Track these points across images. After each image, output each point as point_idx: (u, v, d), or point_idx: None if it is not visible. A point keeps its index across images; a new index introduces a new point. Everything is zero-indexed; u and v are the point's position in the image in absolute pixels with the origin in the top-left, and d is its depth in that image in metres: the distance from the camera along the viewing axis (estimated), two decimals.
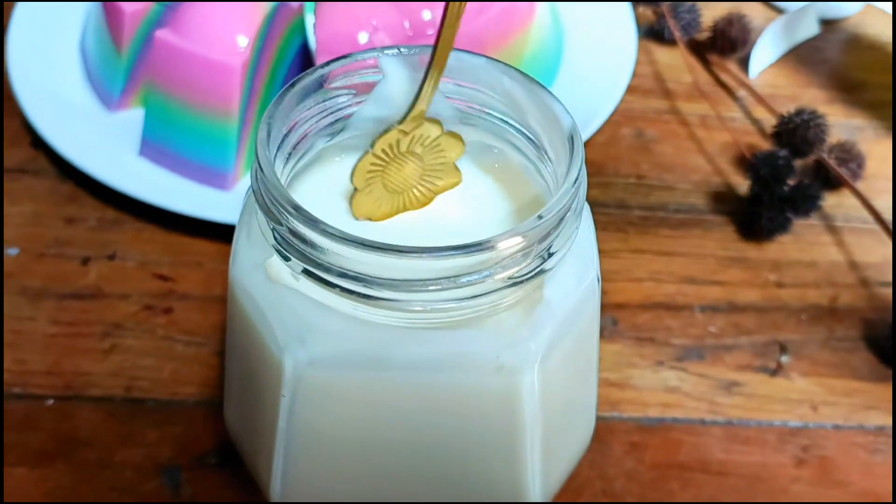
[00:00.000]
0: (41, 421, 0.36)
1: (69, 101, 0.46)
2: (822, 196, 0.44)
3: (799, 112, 0.45)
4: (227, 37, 0.41)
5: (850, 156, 0.45)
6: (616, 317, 0.41)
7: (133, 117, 0.46)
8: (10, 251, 0.42)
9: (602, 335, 0.32)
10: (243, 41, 0.41)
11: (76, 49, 0.49)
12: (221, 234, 0.42)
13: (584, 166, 0.25)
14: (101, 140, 0.45)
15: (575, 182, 0.24)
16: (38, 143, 0.46)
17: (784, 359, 0.40)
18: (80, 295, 0.40)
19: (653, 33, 0.54)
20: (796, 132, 0.44)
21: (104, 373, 0.38)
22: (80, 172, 0.44)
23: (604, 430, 0.36)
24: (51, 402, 0.37)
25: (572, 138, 0.25)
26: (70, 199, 0.44)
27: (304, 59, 0.45)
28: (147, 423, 0.36)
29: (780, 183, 0.43)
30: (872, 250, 0.44)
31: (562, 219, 0.24)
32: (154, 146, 0.44)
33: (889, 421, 0.38)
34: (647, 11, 0.54)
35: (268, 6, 0.42)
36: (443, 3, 0.25)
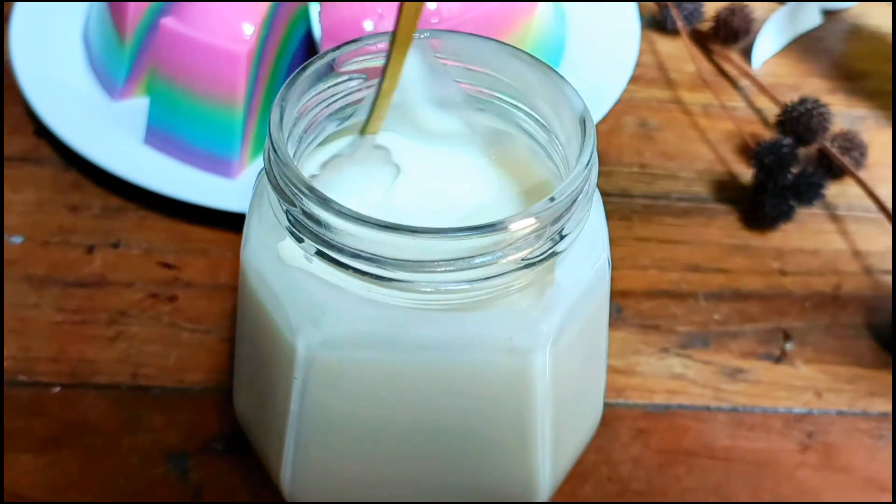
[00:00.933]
0: (47, 408, 0.36)
1: (72, 90, 0.46)
2: (826, 184, 0.44)
3: (802, 101, 0.45)
4: (232, 25, 0.41)
5: (853, 144, 0.45)
6: (621, 304, 0.41)
7: (136, 106, 0.46)
8: (15, 239, 0.42)
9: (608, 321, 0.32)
10: (249, 29, 0.41)
11: (79, 38, 0.49)
12: (226, 221, 0.42)
13: (595, 149, 0.25)
14: (104, 128, 0.45)
15: (587, 164, 0.24)
16: (42, 132, 0.46)
17: (788, 346, 0.40)
18: (84, 283, 0.40)
19: (655, 23, 0.54)
20: (800, 121, 0.45)
21: (110, 360, 0.38)
22: (83, 160, 0.44)
23: (610, 417, 0.36)
24: (57, 389, 0.37)
25: (584, 121, 0.25)
26: (74, 188, 0.44)
27: (309, 48, 0.45)
28: (153, 410, 0.36)
29: (784, 171, 0.43)
30: (875, 238, 0.44)
31: (574, 201, 0.24)
32: (159, 134, 0.44)
33: (892, 407, 0.38)
34: (649, 2, 0.54)
35: None
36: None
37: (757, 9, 0.53)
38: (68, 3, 0.50)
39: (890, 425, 0.38)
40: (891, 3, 0.56)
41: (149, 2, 0.44)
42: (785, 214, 0.44)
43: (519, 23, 0.45)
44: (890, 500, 0.35)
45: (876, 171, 0.47)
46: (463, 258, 0.23)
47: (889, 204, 0.44)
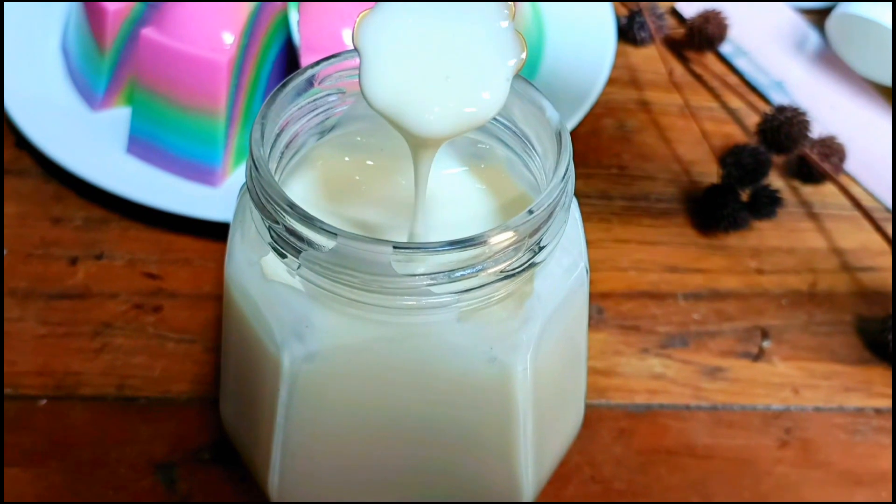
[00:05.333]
0: (34, 421, 0.36)
1: (52, 101, 0.46)
2: (782, 202, 0.44)
3: (781, 110, 0.46)
4: (213, 34, 0.41)
5: (832, 150, 0.46)
6: (601, 306, 0.41)
7: (117, 116, 0.46)
8: None
9: (588, 324, 0.33)
10: (229, 38, 0.41)
11: (58, 48, 0.49)
12: (209, 231, 0.42)
13: (571, 162, 0.26)
14: (85, 139, 0.45)
15: (563, 177, 0.25)
16: (22, 144, 0.46)
17: (766, 344, 0.41)
18: (68, 295, 0.40)
19: (622, 32, 0.54)
20: (780, 130, 0.45)
21: (95, 372, 0.38)
22: (64, 172, 0.44)
23: (592, 418, 0.37)
24: (43, 402, 0.37)
25: (560, 134, 0.26)
26: (56, 199, 0.44)
27: (289, 55, 0.45)
28: (140, 421, 0.36)
29: (754, 179, 0.44)
30: (850, 236, 0.45)
31: (551, 213, 0.25)
32: (142, 143, 0.44)
33: (867, 402, 0.39)
34: (619, 7, 0.55)
35: (252, 2, 0.42)
36: None
37: (731, 14, 0.53)
38: (46, 15, 0.50)
39: (867, 420, 0.38)
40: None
41: (130, 2, 0.44)
42: (737, 224, 0.44)
43: None
44: (866, 493, 0.36)
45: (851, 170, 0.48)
46: (443, 272, 0.23)
47: (865, 202, 0.45)
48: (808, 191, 0.47)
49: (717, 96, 0.51)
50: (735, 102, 0.51)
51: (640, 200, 0.46)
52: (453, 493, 0.30)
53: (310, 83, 0.27)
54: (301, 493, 0.31)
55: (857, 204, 0.44)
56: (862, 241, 0.45)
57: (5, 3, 0.49)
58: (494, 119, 0.28)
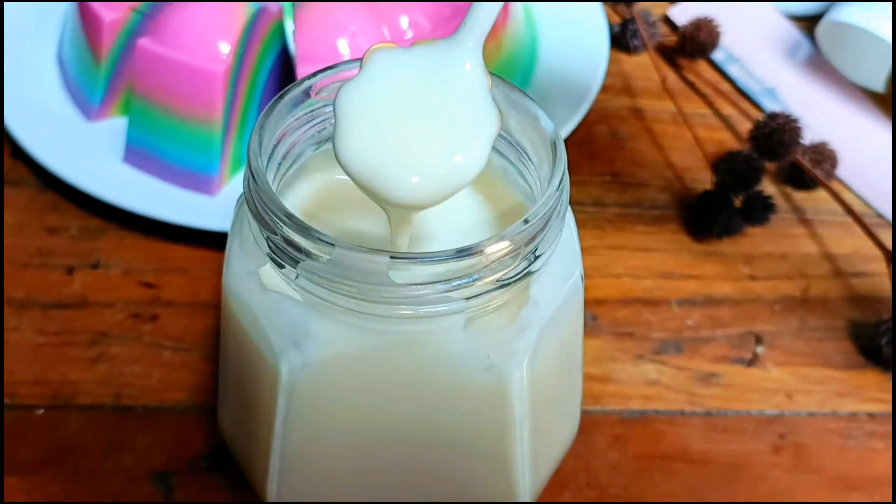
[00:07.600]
0: (31, 431, 0.36)
1: (48, 111, 0.46)
2: (775, 208, 0.45)
3: (773, 116, 0.46)
4: (209, 43, 0.41)
5: (823, 156, 0.46)
6: (596, 312, 0.42)
7: (113, 126, 0.46)
8: None
9: (583, 331, 0.33)
10: (225, 47, 0.42)
11: (53, 59, 0.49)
12: (205, 239, 0.42)
13: (566, 171, 0.26)
14: (81, 149, 0.45)
15: (559, 187, 0.25)
16: (18, 154, 0.46)
17: (759, 349, 0.41)
18: (65, 304, 0.41)
19: (615, 40, 0.54)
20: (772, 137, 0.45)
21: (92, 381, 0.38)
22: (61, 182, 0.44)
23: (587, 424, 0.37)
24: (41, 411, 0.37)
25: (555, 144, 0.26)
26: (52, 209, 0.44)
27: (285, 63, 0.46)
28: (137, 430, 0.37)
29: (746, 185, 0.45)
30: (842, 242, 0.45)
31: (547, 222, 0.25)
32: (138, 152, 0.44)
33: (860, 407, 0.39)
34: (612, 14, 0.55)
35: (248, 12, 0.43)
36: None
37: (723, 22, 0.54)
38: (41, 24, 0.50)
39: (860, 425, 0.39)
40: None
41: (128, 1, 0.44)
42: (731, 230, 0.44)
43: (491, 36, 0.45)
44: (860, 498, 0.37)
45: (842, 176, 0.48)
46: (440, 282, 0.24)
47: (857, 208, 0.45)
48: (800, 197, 0.47)
49: (709, 103, 0.52)
50: (727, 109, 0.51)
51: (634, 207, 0.46)
52: (450, 500, 0.31)
53: (306, 94, 0.27)
54: (299, 501, 0.31)
55: (848, 210, 0.45)
56: (854, 246, 0.45)
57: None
58: None
